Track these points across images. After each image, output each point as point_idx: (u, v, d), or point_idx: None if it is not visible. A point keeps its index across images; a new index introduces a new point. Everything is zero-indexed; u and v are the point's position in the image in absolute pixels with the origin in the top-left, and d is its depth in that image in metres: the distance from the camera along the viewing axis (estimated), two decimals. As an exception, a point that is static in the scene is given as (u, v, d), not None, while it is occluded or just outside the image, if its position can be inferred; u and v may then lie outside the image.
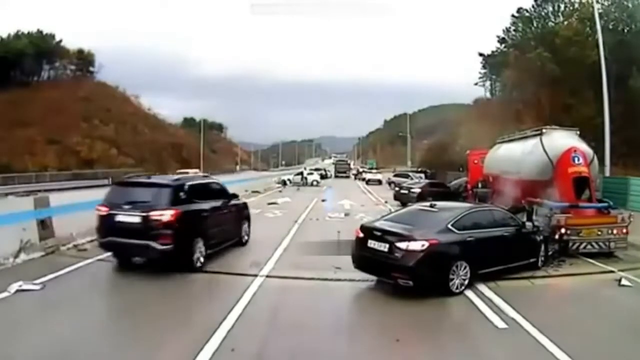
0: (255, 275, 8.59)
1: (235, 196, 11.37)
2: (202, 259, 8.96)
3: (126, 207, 8.42)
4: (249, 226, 11.89)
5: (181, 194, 8.80)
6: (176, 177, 10.21)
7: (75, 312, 6.62)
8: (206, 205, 9.52)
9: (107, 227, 8.57)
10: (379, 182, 46.71)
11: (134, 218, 8.29)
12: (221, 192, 10.75)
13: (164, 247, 8.20)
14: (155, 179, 9.52)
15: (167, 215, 8.25)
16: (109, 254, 9.19)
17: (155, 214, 8.22)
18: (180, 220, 8.37)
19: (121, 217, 8.40)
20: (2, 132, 48.24)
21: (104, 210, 8.61)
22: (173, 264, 8.52)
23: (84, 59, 68.99)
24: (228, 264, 9.50)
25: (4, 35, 59.42)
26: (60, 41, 65.99)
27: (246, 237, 11.63)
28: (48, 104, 55.45)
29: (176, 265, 8.52)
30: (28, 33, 62.55)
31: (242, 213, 11.67)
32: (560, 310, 7.23)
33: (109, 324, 6.55)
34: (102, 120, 60.40)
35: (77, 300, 7.19)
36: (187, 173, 23.46)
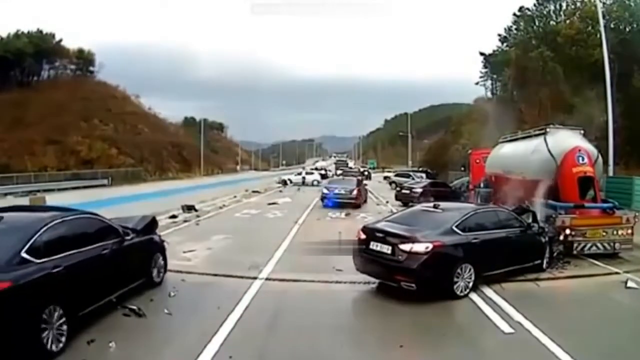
0: (255, 278, 8.42)
1: None
2: None
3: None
4: None
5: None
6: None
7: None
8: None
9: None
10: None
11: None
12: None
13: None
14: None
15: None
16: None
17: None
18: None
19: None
20: (2, 132, 48.09)
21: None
22: None
23: (84, 59, 68.58)
24: (226, 266, 9.30)
25: (4, 35, 59.29)
26: (60, 41, 65.82)
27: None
28: (48, 103, 55.29)
29: None
30: (28, 32, 62.27)
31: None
32: (568, 314, 7.05)
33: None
34: (102, 119, 60.19)
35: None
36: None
